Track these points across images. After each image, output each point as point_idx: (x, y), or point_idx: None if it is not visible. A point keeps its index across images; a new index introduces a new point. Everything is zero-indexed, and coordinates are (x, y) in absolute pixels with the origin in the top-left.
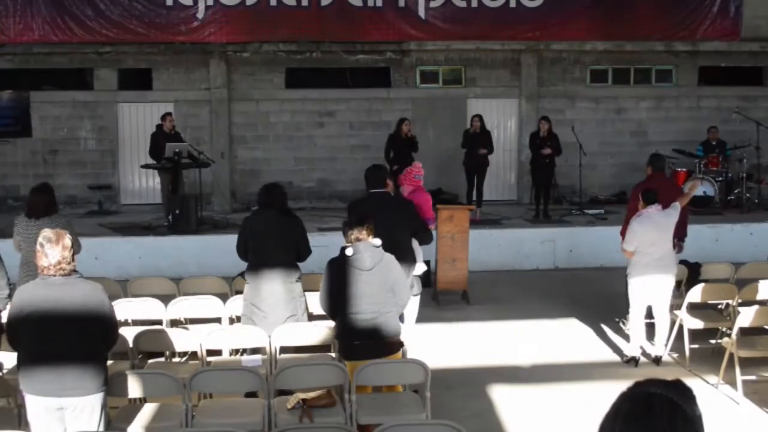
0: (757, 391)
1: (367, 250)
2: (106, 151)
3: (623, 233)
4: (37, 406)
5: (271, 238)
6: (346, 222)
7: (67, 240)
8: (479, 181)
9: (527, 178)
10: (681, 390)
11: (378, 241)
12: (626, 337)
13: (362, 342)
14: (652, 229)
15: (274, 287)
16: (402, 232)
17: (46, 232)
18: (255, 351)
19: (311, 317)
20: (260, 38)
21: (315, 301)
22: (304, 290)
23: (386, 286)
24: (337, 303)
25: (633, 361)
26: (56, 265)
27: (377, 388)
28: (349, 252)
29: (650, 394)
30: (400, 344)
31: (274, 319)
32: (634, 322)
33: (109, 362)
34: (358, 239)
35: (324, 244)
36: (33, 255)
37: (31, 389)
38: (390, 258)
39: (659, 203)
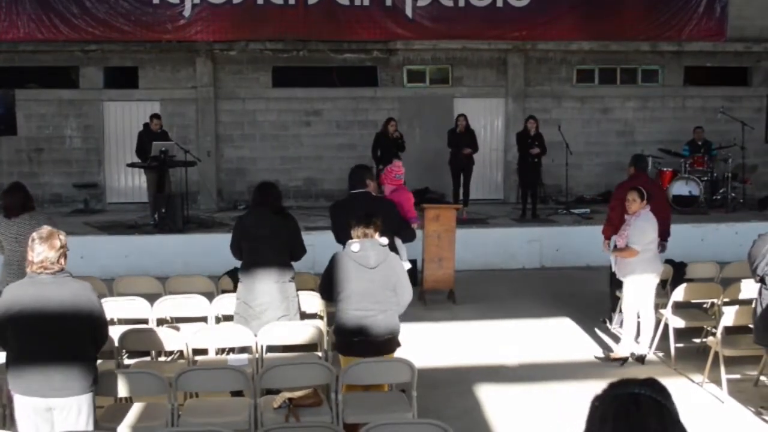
0: (741, 389)
1: (373, 248)
2: (92, 150)
3: (606, 233)
4: (26, 406)
5: (264, 238)
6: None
7: (57, 242)
8: (465, 180)
9: (514, 177)
10: (660, 389)
11: (385, 240)
12: (612, 336)
13: (360, 339)
14: (654, 227)
15: (267, 287)
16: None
17: (43, 230)
18: (242, 350)
19: (303, 316)
20: (247, 37)
21: (307, 301)
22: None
23: (388, 286)
24: (338, 298)
25: (621, 361)
26: (39, 263)
27: (366, 387)
28: (354, 247)
29: (636, 394)
30: (398, 344)
31: (267, 318)
32: (628, 322)
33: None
34: (365, 235)
35: (310, 243)
36: (15, 255)
37: (19, 389)
38: (394, 258)
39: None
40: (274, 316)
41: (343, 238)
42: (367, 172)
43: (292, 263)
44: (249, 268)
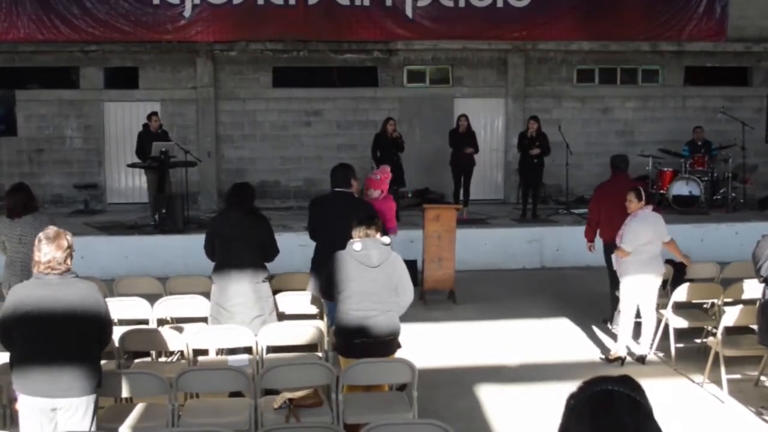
0: (741, 389)
1: (375, 246)
2: (92, 150)
3: (587, 235)
4: (31, 407)
5: (237, 239)
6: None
7: (64, 242)
8: (466, 180)
9: (514, 177)
10: (634, 386)
11: (387, 239)
12: (613, 336)
13: (362, 340)
14: (650, 228)
15: (240, 287)
16: None
17: (49, 230)
18: (232, 351)
19: (282, 317)
20: (247, 37)
21: (286, 301)
22: (291, 290)
23: (390, 285)
24: (338, 298)
25: (619, 360)
26: (46, 264)
27: (367, 387)
28: (357, 247)
29: (610, 391)
30: (398, 345)
31: (241, 319)
32: (625, 322)
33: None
34: (367, 235)
35: (309, 243)
36: (18, 255)
37: (24, 389)
38: (396, 257)
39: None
40: (249, 317)
41: (318, 235)
42: (351, 172)
43: (267, 264)
44: (222, 268)
